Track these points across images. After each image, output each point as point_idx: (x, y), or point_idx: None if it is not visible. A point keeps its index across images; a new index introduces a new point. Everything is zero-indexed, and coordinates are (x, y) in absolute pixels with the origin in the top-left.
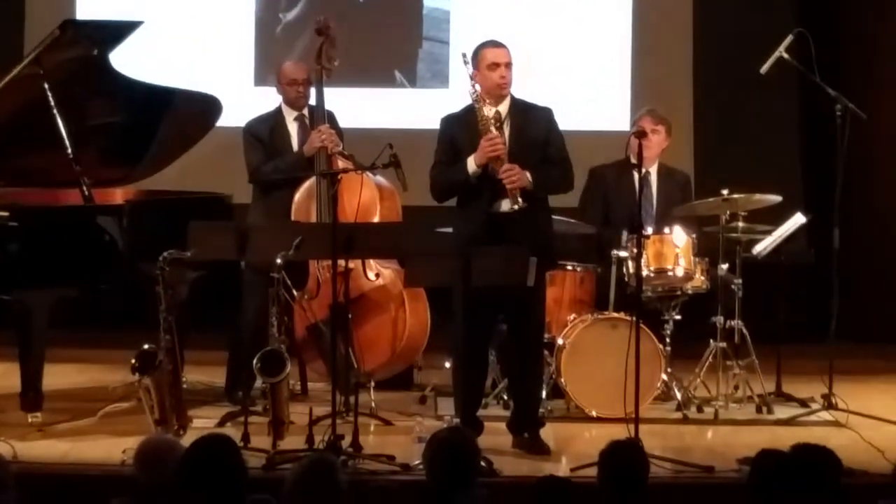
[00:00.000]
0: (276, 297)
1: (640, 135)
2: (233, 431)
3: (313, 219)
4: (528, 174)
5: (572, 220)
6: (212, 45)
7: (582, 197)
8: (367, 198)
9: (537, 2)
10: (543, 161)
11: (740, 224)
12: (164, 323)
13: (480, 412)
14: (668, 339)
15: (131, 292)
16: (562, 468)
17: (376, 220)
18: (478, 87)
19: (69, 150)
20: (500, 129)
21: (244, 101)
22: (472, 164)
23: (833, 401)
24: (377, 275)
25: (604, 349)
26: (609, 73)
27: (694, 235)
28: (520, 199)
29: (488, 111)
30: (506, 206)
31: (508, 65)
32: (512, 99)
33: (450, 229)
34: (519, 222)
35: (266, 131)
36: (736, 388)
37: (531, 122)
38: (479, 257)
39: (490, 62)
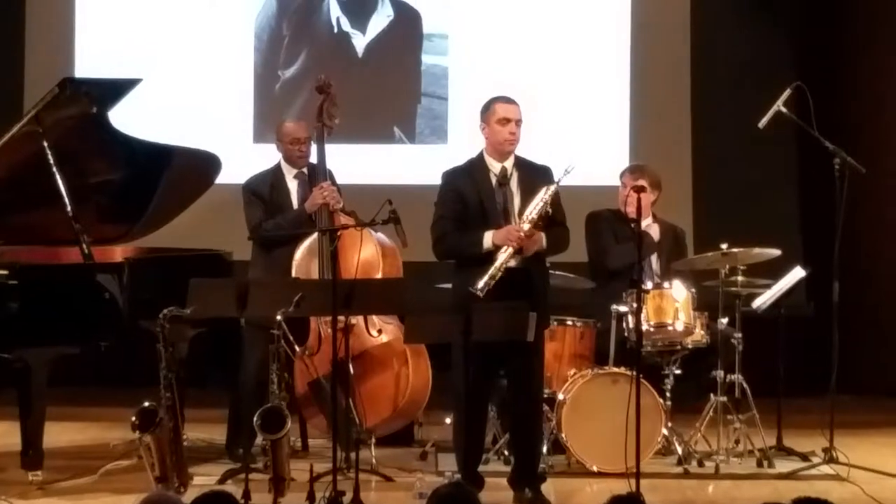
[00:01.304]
0: (276, 353)
1: (639, 189)
2: (234, 488)
3: (314, 276)
4: (542, 237)
5: (571, 275)
6: (211, 103)
7: (595, 244)
8: (369, 255)
9: (535, 59)
10: (550, 221)
11: (740, 278)
12: (164, 380)
13: (482, 468)
14: (668, 394)
15: (131, 350)
16: None
17: (379, 276)
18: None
19: (69, 208)
20: (506, 185)
21: (243, 158)
22: (488, 240)
23: (834, 454)
24: (380, 331)
25: (604, 404)
26: (608, 129)
27: (693, 290)
28: (486, 287)
29: (494, 167)
30: (480, 288)
31: (518, 122)
32: (515, 157)
33: (450, 285)
34: (517, 278)
35: (266, 188)
36: (737, 442)
37: (536, 181)
38: (480, 313)
39: (501, 117)
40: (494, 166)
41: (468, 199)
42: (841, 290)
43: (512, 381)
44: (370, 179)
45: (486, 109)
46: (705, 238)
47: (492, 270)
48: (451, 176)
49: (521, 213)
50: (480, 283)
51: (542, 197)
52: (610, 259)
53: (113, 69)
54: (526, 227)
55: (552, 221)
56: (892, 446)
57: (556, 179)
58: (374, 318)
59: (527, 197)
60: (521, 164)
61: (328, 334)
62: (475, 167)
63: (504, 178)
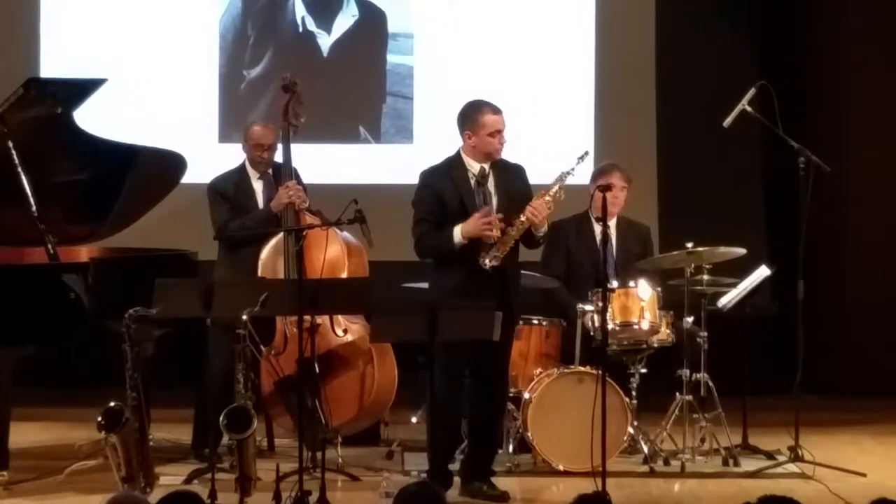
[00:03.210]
0: (242, 353)
1: (606, 188)
2: (200, 488)
3: (280, 276)
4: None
5: (536, 275)
6: (176, 102)
7: (543, 251)
8: (334, 254)
9: (500, 58)
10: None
11: (705, 277)
12: (130, 380)
13: (451, 466)
14: (634, 393)
15: (97, 350)
16: None
17: (344, 276)
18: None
19: (34, 208)
20: (484, 185)
21: (209, 157)
22: (458, 234)
23: (800, 453)
24: (345, 330)
25: (570, 403)
26: (572, 128)
27: (659, 288)
28: (494, 260)
29: (472, 167)
30: (488, 262)
31: (504, 130)
32: None
33: (418, 284)
34: (496, 277)
35: (231, 189)
36: (702, 440)
37: (511, 179)
38: (445, 312)
39: (493, 129)
40: (473, 166)
41: (447, 199)
42: (806, 289)
43: (477, 378)
44: (335, 179)
45: (474, 120)
46: (671, 237)
47: (499, 245)
48: (430, 176)
49: (498, 210)
50: (488, 259)
51: (561, 177)
52: (555, 291)
53: (78, 69)
54: (548, 198)
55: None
56: (857, 444)
57: (571, 167)
58: (340, 317)
59: (505, 196)
60: (496, 163)
61: (293, 334)
62: (454, 167)
63: (483, 178)
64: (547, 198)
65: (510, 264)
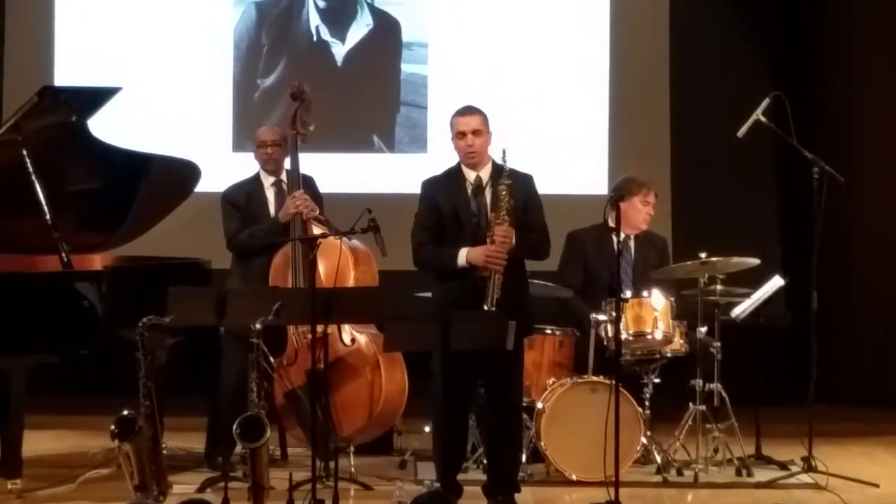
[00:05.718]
0: (255, 362)
1: (619, 199)
2: (213, 497)
3: (290, 284)
4: (512, 233)
5: (550, 284)
6: (190, 111)
7: (561, 261)
8: (340, 262)
9: (515, 66)
10: (521, 227)
11: (718, 287)
12: (143, 389)
13: (460, 476)
14: (647, 403)
15: (111, 358)
16: None
17: (351, 284)
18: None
19: (48, 216)
20: (480, 195)
21: (223, 166)
22: (462, 258)
23: (813, 463)
24: (352, 339)
25: (583, 413)
26: (587, 139)
27: (672, 299)
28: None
29: (469, 176)
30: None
31: (476, 132)
32: (493, 164)
33: (429, 294)
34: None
35: (243, 198)
36: (715, 450)
37: (514, 191)
38: (458, 322)
39: (457, 131)
40: (470, 175)
41: (443, 208)
42: (819, 299)
43: (490, 391)
44: (349, 188)
45: (450, 123)
46: (684, 247)
47: (492, 290)
48: (428, 186)
49: (489, 226)
50: (488, 302)
51: (499, 192)
52: (568, 301)
53: (92, 78)
54: (506, 218)
55: (522, 225)
56: (870, 455)
57: (505, 170)
58: (347, 326)
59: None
60: (499, 171)
61: (302, 344)
62: (451, 176)
63: (479, 188)
64: (506, 218)
65: (513, 274)
